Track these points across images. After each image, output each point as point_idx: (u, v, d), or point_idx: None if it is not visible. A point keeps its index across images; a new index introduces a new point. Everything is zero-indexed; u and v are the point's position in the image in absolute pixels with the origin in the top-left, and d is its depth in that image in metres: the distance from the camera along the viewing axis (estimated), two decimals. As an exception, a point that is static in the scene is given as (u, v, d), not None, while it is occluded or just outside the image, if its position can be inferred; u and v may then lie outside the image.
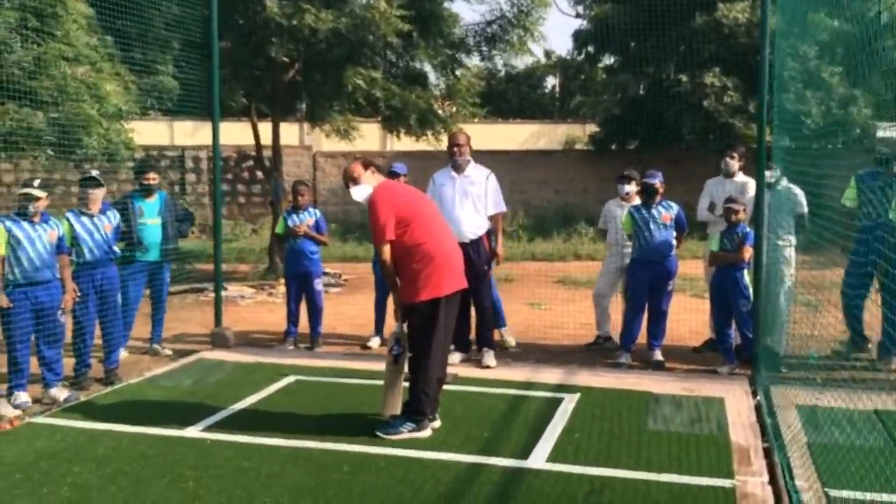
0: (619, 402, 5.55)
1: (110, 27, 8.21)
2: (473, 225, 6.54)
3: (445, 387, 5.35)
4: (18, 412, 5.41)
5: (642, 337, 6.90)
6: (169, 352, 7.17)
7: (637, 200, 7.28)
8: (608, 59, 19.36)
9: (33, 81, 7.02)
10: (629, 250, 7.19)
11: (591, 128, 19.78)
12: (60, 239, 5.83)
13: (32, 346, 5.73)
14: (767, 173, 6.75)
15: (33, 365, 5.75)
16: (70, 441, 4.85)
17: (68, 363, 6.08)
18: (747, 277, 6.41)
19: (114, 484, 4.20)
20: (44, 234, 5.66)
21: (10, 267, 5.54)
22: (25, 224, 5.59)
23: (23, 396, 5.59)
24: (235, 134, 16.19)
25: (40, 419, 5.29)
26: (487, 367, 6.53)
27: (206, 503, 3.98)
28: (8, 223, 5.55)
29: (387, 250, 4.93)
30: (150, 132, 16.03)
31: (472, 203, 6.56)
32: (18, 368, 5.59)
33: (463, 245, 5.87)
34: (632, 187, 7.28)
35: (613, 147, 17.92)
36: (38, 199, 5.59)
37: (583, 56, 19.79)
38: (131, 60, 8.61)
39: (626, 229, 6.99)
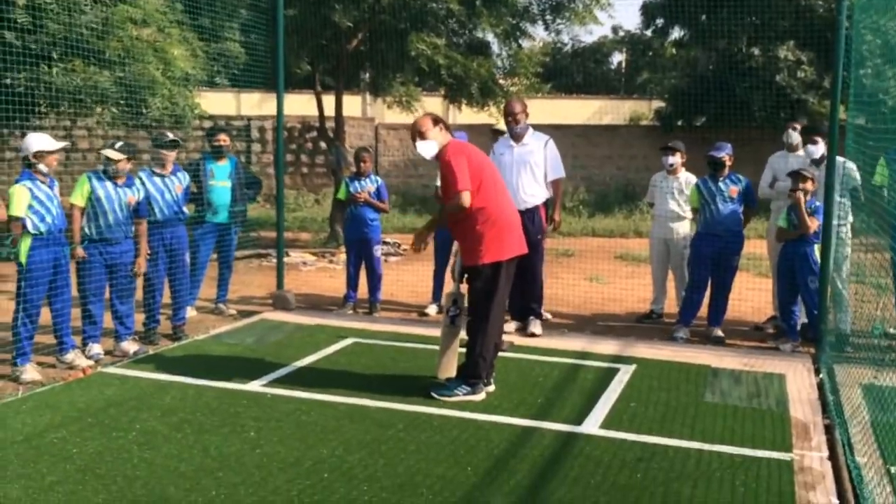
0: (677, 375, 5.50)
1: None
2: (530, 193, 6.52)
3: (501, 354, 5.39)
4: (91, 362, 5.67)
5: (703, 313, 6.80)
6: (233, 311, 7.40)
7: (682, 172, 7.18)
8: (677, 33, 18.87)
9: (101, 42, 7.24)
10: (674, 224, 7.11)
11: (658, 104, 19.36)
12: (139, 203, 6.04)
13: (106, 301, 5.98)
14: (812, 147, 6.55)
15: (106, 319, 6.01)
16: (138, 391, 5.07)
17: (138, 319, 6.33)
18: (817, 253, 6.22)
19: (179, 431, 4.38)
20: (123, 197, 5.87)
21: (86, 222, 5.78)
22: (109, 184, 5.81)
23: (96, 348, 5.86)
24: (300, 105, 16.41)
25: (111, 369, 5.54)
26: (533, 335, 6.53)
27: (266, 452, 4.12)
28: (94, 180, 5.79)
29: (467, 197, 4.82)
30: (217, 102, 16.41)
31: (529, 171, 6.53)
32: (93, 321, 5.85)
33: (519, 213, 5.85)
34: (676, 159, 7.18)
35: (680, 123, 17.50)
36: (116, 161, 5.81)
37: (651, 30, 19.35)
38: (199, 26, 8.78)
39: (693, 202, 6.87)
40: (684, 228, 7.20)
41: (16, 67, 7.06)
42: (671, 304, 7.36)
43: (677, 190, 7.19)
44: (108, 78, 7.32)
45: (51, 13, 6.98)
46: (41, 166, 5.39)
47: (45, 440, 4.23)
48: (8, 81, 7.05)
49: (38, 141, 5.41)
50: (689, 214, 7.16)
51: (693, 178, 7.09)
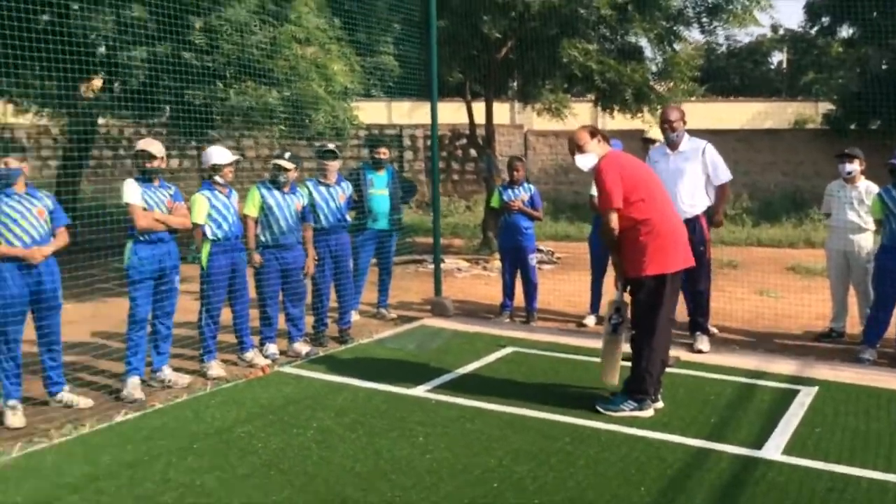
0: (865, 400, 5.09)
1: (338, 9, 8.74)
2: (689, 203, 6.25)
3: (667, 370, 5.20)
4: (268, 361, 6.01)
5: (890, 333, 6.26)
6: (394, 316, 7.60)
7: (861, 181, 6.66)
8: (846, 32, 17.62)
9: (269, 61, 7.66)
10: (855, 236, 6.61)
11: (825, 106, 18.15)
12: (305, 209, 6.36)
13: (280, 304, 6.32)
14: None
15: (279, 321, 6.34)
16: (313, 390, 5.31)
17: (307, 322, 6.62)
18: None
19: (353, 432, 4.54)
20: (291, 204, 6.20)
21: (261, 230, 6.15)
22: (277, 193, 6.15)
23: (272, 348, 6.20)
24: (449, 113, 16.64)
25: (287, 369, 5.85)
26: (699, 351, 6.26)
27: (435, 458, 4.18)
28: (263, 190, 6.14)
29: (614, 218, 4.79)
30: (370, 111, 16.96)
31: (688, 180, 6.26)
32: (269, 322, 6.20)
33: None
34: (854, 166, 6.67)
35: (853, 127, 16.30)
36: (287, 169, 6.14)
37: (816, 28, 18.20)
38: (356, 41, 9.12)
39: (875, 213, 6.37)
40: (867, 241, 6.68)
41: (194, 85, 7.61)
42: (853, 323, 6.84)
43: (857, 200, 6.69)
44: (276, 97, 7.76)
45: (224, 34, 7.47)
46: (217, 178, 5.80)
47: (233, 434, 4.51)
48: (187, 98, 7.63)
49: (215, 154, 5.82)
50: (871, 226, 6.64)
51: (874, 187, 6.57)
